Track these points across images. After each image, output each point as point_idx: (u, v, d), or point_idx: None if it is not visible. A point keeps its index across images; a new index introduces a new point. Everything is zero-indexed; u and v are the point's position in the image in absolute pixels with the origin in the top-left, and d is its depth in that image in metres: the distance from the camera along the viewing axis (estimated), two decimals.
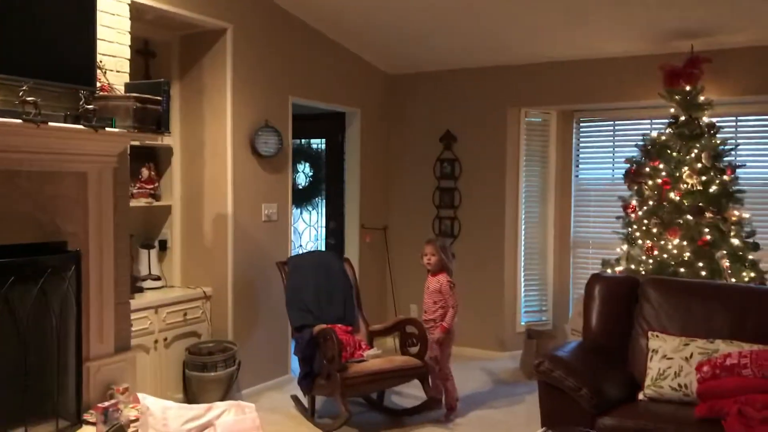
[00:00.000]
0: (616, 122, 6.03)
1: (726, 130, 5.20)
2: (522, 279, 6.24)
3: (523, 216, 6.20)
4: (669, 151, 4.93)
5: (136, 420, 3.43)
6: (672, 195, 4.84)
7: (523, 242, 6.22)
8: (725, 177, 4.81)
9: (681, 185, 4.83)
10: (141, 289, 4.54)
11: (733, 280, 4.62)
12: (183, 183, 4.89)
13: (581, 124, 6.20)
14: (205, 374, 4.42)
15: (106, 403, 3.37)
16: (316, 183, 7.22)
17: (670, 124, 5.03)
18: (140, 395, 3.48)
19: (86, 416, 3.39)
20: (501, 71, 6.05)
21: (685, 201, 4.81)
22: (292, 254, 5.29)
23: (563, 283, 6.30)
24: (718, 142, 4.88)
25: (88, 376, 3.46)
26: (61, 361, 3.30)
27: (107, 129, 3.27)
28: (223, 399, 4.26)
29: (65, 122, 3.15)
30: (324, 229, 7.00)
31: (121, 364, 3.67)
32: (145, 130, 3.40)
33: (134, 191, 4.53)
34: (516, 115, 6.10)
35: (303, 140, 7.17)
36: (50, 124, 3.04)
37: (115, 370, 3.63)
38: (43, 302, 3.18)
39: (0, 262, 2.97)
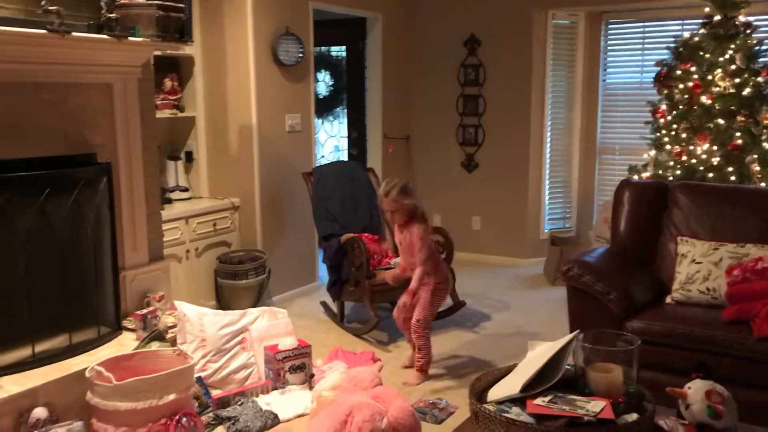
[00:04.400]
0: (646, 24, 5.83)
1: (763, 29, 5.01)
2: (546, 186, 6.21)
3: (549, 122, 6.10)
4: (701, 53, 4.77)
5: (174, 326, 3.55)
6: (703, 99, 4.72)
7: (548, 149, 6.14)
8: (759, 79, 4.67)
9: (713, 88, 4.71)
10: (170, 201, 4.59)
11: (763, 184, 4.56)
12: (206, 94, 4.85)
13: (610, 27, 6.00)
14: (237, 282, 4.52)
15: (144, 311, 3.48)
16: (337, 92, 7.12)
17: (703, 24, 4.84)
18: (176, 302, 3.58)
19: (125, 323, 3.51)
20: None
21: (716, 105, 4.69)
22: (316, 165, 5.29)
23: (588, 190, 6.26)
24: (754, 42, 4.71)
25: (124, 284, 3.56)
26: (99, 270, 3.37)
27: (130, 38, 3.22)
28: (254, 306, 4.37)
29: (88, 32, 3.10)
30: (346, 140, 6.95)
31: (155, 273, 3.76)
32: (169, 39, 3.35)
33: (158, 102, 4.49)
34: (543, 17, 5.90)
35: (323, 48, 7.02)
36: (74, 34, 2.99)
37: (151, 279, 3.72)
38: (78, 214, 3.22)
39: (35, 174, 3.01)
